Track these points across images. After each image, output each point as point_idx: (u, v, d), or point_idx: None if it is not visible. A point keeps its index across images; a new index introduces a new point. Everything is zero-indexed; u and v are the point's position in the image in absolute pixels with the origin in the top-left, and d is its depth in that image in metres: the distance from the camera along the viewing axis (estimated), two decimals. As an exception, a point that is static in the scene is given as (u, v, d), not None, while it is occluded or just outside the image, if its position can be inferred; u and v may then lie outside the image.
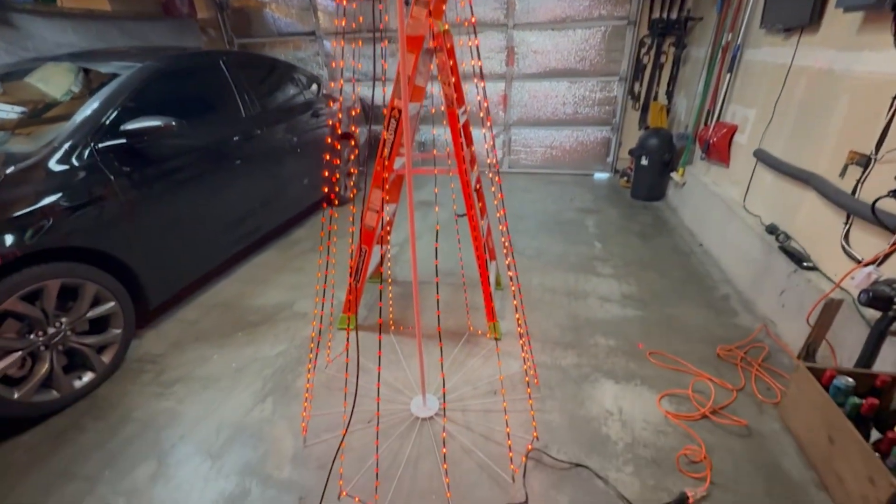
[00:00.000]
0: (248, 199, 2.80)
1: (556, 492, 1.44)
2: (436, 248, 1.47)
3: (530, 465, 1.53)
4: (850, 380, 1.50)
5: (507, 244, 1.81)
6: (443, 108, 1.78)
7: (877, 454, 1.27)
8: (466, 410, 1.77)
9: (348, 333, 2.22)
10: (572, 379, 1.92)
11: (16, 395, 1.67)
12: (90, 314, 1.88)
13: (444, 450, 1.39)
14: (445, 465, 1.34)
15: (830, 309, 1.78)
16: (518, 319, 1.69)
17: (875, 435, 1.45)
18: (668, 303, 2.45)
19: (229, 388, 1.93)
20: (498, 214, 1.75)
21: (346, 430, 1.35)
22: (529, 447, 1.58)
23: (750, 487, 1.44)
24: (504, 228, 1.64)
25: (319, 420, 1.73)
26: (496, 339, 2.18)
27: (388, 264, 2.67)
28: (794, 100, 2.38)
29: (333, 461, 1.46)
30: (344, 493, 1.42)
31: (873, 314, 1.66)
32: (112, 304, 1.94)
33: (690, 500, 1.39)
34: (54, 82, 2.26)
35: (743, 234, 2.61)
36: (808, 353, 1.87)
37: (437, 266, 1.61)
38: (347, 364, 1.93)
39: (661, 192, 4.01)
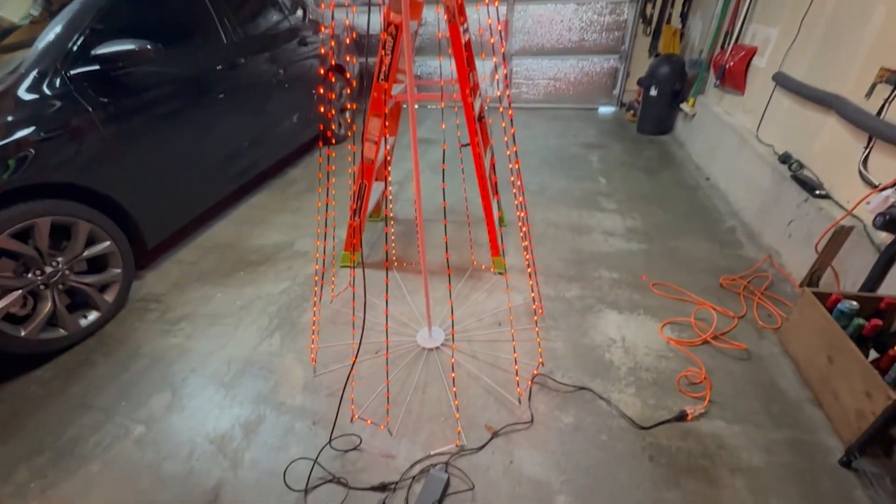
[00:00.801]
0: (236, 135, 2.67)
1: (561, 412, 1.49)
2: (443, 189, 1.41)
3: (535, 389, 1.57)
4: (855, 303, 1.51)
5: (515, 179, 1.74)
6: (445, 19, 1.62)
7: (876, 371, 1.29)
8: (472, 341, 1.80)
9: (352, 270, 2.21)
10: (576, 310, 1.93)
11: (22, 333, 1.67)
12: (86, 253, 1.84)
13: (453, 375, 1.42)
14: (455, 390, 1.38)
15: (840, 236, 1.75)
16: (527, 247, 1.66)
17: (874, 356, 1.48)
18: (672, 236, 2.43)
19: (235, 325, 1.94)
20: (508, 152, 1.67)
21: (356, 359, 1.36)
22: (536, 372, 1.62)
23: (747, 405, 1.49)
24: (515, 166, 1.56)
25: (327, 352, 1.76)
26: (500, 274, 2.17)
27: (390, 202, 2.61)
28: (824, 14, 2.19)
29: (344, 388, 1.49)
30: (356, 417, 1.47)
31: (884, 239, 1.63)
32: (107, 243, 1.89)
33: (689, 417, 1.44)
34: (9, 5, 2.05)
35: (754, 165, 2.53)
36: (812, 280, 1.87)
37: (445, 207, 1.56)
38: (354, 294, 1.94)
39: (669, 126, 3.86)
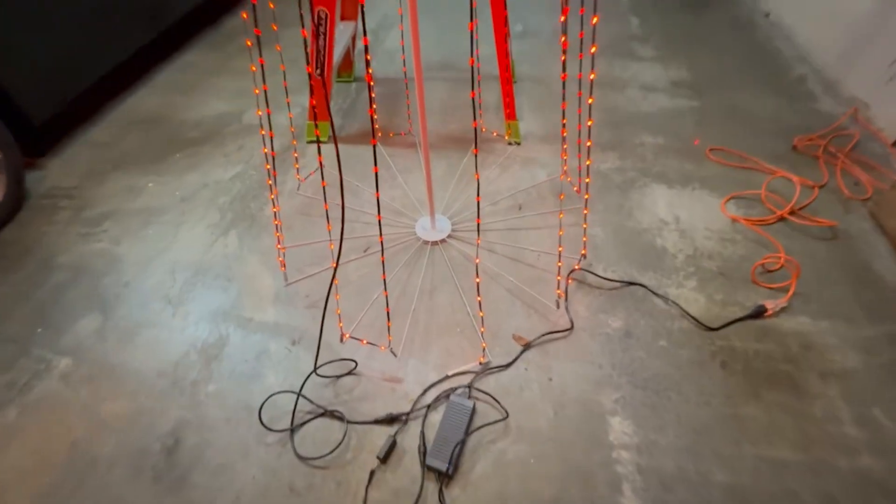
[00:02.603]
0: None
1: (607, 315, 1.18)
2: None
3: (573, 289, 1.24)
4: None
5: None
6: None
7: None
8: (487, 230, 1.41)
9: (319, 147, 1.70)
10: (616, 186, 1.52)
11: None
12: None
13: (478, 279, 1.06)
14: (479, 298, 1.03)
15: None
16: (563, 108, 1.17)
17: None
18: (727, 89, 1.92)
19: (177, 223, 1.50)
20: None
21: (338, 261, 0.97)
22: (577, 266, 1.27)
23: (836, 295, 1.20)
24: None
25: (301, 253, 1.37)
26: (516, 144, 1.70)
27: (367, 53, 1.97)
28: None
29: (327, 298, 1.13)
30: (346, 336, 1.13)
31: None
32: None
33: (769, 312, 1.15)
34: None
35: (845, -15, 1.91)
36: (918, 136, 1.46)
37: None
38: (326, 176, 1.47)
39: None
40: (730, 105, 1.84)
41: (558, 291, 1.19)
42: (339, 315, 1.10)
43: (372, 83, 0.90)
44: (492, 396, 1.03)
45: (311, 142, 1.76)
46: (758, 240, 1.34)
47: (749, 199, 1.46)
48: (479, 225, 1.00)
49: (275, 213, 1.28)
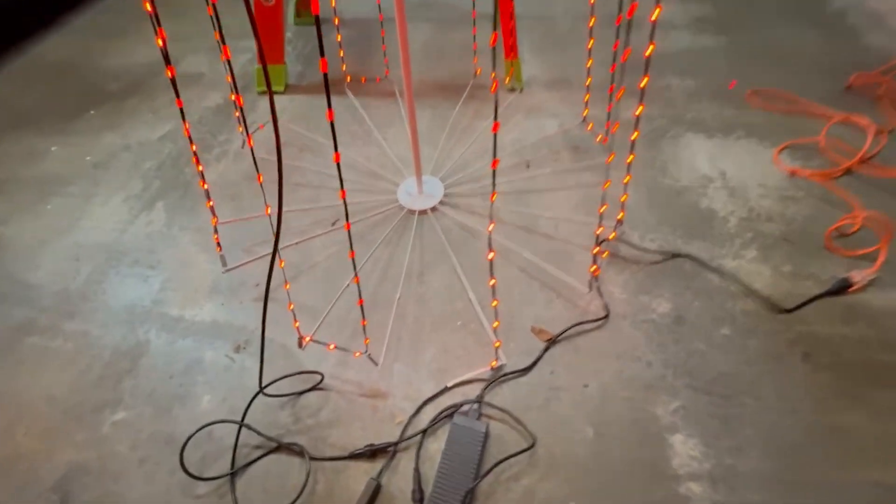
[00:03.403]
0: None
1: (650, 297, 0.91)
2: None
3: (603, 265, 0.96)
4: None
5: None
6: None
7: None
8: (489, 194, 1.12)
9: (270, 97, 1.36)
10: (644, 137, 1.24)
11: None
12: None
13: (492, 254, 0.74)
14: (493, 281, 0.75)
15: None
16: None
17: None
18: (758, 24, 1.64)
19: (87, 195, 1.16)
20: None
21: (278, 233, 0.67)
22: (614, 235, 0.99)
23: (930, 261, 0.96)
24: None
25: (246, 229, 1.05)
26: (517, 91, 1.39)
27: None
28: None
29: (267, 287, 0.83)
30: (307, 339, 0.83)
31: None
32: None
33: (856, 286, 0.90)
34: None
35: None
36: None
37: None
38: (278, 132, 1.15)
39: None
40: (762, 43, 1.56)
41: (592, 268, 0.91)
42: (293, 311, 0.80)
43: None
44: (510, 415, 0.75)
45: (262, 92, 1.42)
46: (824, 196, 1.08)
47: (806, 149, 1.19)
48: (494, 172, 0.67)
49: (201, 172, 0.95)
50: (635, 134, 0.83)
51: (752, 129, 1.25)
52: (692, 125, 1.27)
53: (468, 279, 0.94)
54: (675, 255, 0.97)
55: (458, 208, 1.09)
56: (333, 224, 1.05)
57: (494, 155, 0.64)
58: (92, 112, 1.39)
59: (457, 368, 0.82)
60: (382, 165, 1.19)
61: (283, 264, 0.80)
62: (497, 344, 0.82)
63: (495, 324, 0.83)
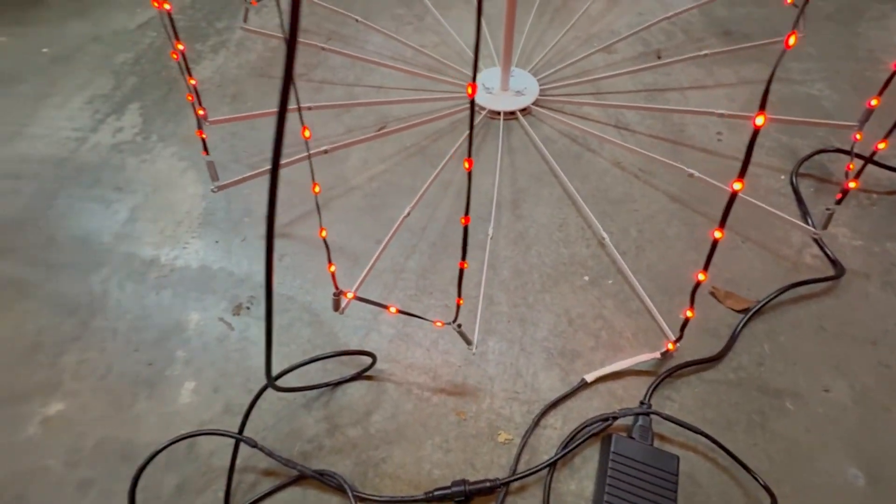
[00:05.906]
0: None
1: (899, 243, 0.56)
2: None
3: (809, 195, 0.60)
4: None
5: None
6: None
7: None
8: (602, 93, 0.76)
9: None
10: (826, 16, 0.84)
11: None
12: None
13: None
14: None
15: None
16: None
17: None
18: None
19: (40, 95, 0.84)
20: None
21: (280, 136, 0.34)
22: (854, 147, 0.62)
23: None
24: None
25: (254, 136, 0.73)
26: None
27: None
28: None
29: (269, 223, 0.50)
30: (347, 297, 0.51)
31: None
32: None
33: None
34: None
35: None
36: None
37: None
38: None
39: None
40: None
41: (838, 197, 0.54)
42: (329, 256, 0.48)
43: None
44: (708, 437, 0.43)
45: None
46: None
47: None
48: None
49: (182, 51, 0.60)
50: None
51: None
52: (901, 0, 0.86)
53: (593, 211, 0.60)
54: (928, 180, 0.61)
55: (562, 112, 0.73)
56: (380, 129, 0.71)
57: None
58: (55, -4, 1.05)
59: (593, 351, 0.49)
60: (446, 55, 0.83)
61: (316, 189, 0.46)
62: (689, 314, 0.47)
63: (651, 309, 0.49)
